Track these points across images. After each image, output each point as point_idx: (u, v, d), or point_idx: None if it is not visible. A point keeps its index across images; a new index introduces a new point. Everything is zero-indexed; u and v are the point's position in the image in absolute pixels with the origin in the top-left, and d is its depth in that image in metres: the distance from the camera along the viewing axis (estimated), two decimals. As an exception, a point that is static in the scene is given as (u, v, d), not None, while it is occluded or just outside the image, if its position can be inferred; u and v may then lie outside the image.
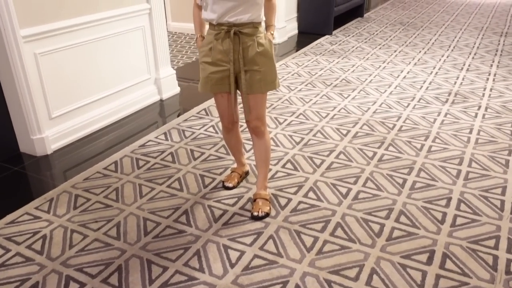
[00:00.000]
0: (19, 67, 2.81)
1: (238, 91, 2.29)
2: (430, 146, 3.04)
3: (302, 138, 3.19)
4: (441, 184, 2.60)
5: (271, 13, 2.26)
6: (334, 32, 6.22)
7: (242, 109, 2.34)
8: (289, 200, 2.49)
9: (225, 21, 2.12)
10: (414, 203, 2.43)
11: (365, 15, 7.31)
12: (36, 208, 2.49)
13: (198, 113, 3.67)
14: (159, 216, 2.39)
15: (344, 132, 3.27)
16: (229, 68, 2.18)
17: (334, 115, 3.57)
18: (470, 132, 3.22)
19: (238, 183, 2.66)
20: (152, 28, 3.77)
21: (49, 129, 3.11)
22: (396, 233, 2.20)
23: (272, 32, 2.24)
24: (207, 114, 3.63)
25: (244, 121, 2.38)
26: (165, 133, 3.33)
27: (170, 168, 2.86)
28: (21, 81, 2.85)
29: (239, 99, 2.34)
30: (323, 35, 6.10)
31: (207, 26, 2.26)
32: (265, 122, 2.34)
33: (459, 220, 2.29)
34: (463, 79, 4.31)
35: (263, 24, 2.21)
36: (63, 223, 2.36)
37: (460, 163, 2.82)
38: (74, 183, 2.72)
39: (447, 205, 2.41)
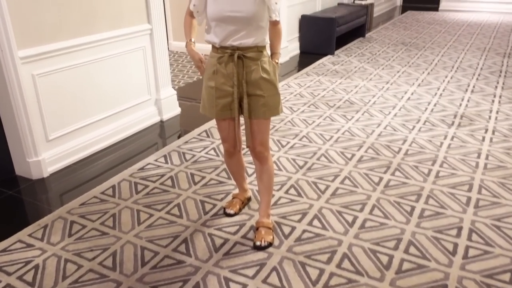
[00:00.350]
0: (16, 88, 2.75)
1: (241, 115, 2.21)
2: (438, 171, 2.95)
3: (306, 162, 3.10)
4: (450, 212, 2.50)
5: (276, 39, 2.20)
6: (336, 52, 6.19)
7: (245, 133, 2.26)
8: (293, 228, 2.39)
9: (229, 44, 2.05)
10: (424, 233, 2.33)
11: (366, 35, 7.29)
12: (30, 235, 2.39)
13: (199, 135, 3.59)
14: (157, 245, 2.29)
15: (349, 155, 3.19)
16: (232, 92, 2.11)
17: (338, 137, 3.49)
18: (478, 157, 3.14)
19: (240, 209, 2.56)
20: (153, 49, 3.72)
21: (46, 152, 3.02)
22: (406, 266, 2.10)
23: (277, 61, 2.17)
24: (208, 136, 3.55)
25: (245, 144, 2.30)
26: (165, 156, 3.25)
27: (169, 193, 2.77)
28: (18, 102, 2.78)
29: (242, 121, 2.26)
30: (325, 55, 6.07)
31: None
32: (268, 148, 2.26)
33: (472, 252, 2.19)
34: (468, 101, 4.25)
35: (267, 48, 2.15)
36: (57, 251, 2.26)
37: (469, 190, 2.73)
38: (70, 209, 2.62)
39: (458, 235, 2.31)
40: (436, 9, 10.12)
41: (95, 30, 3.21)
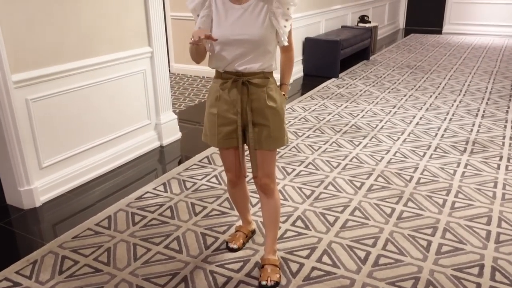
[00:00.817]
0: (8, 113, 2.61)
1: (246, 144, 2.06)
2: (453, 202, 2.78)
3: (313, 191, 2.94)
4: (470, 248, 2.33)
5: (287, 68, 2.07)
6: (340, 75, 6.08)
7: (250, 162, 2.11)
8: (301, 265, 2.21)
9: (233, 69, 1.92)
10: (443, 271, 2.15)
11: (371, 58, 7.21)
12: (17, 272, 2.22)
13: (200, 161, 3.44)
14: (155, 284, 2.11)
15: (358, 184, 3.03)
16: (236, 120, 1.96)
17: (346, 164, 3.33)
18: (495, 186, 2.97)
19: (244, 244, 2.39)
20: (153, 72, 3.60)
21: (39, 180, 2.87)
22: (426, 310, 1.92)
23: (284, 93, 2.04)
24: (209, 163, 3.40)
25: (251, 173, 2.14)
26: (164, 184, 3.09)
27: (168, 224, 2.60)
28: (9, 129, 2.64)
29: (246, 148, 2.11)
30: (329, 78, 5.96)
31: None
32: (274, 180, 2.10)
33: (496, 293, 2.01)
34: (479, 126, 4.10)
35: (275, 74, 2.01)
36: (45, 291, 2.08)
37: (488, 223, 2.55)
38: (61, 242, 2.45)
39: (480, 274, 2.13)
40: (439, 32, 10.09)
41: (94, 53, 3.09)
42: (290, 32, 1.97)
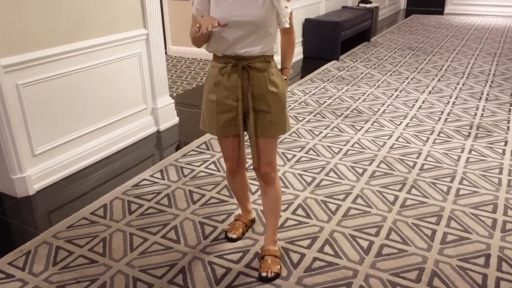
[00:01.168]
0: (-2, 99, 2.51)
1: (246, 132, 1.98)
2: (458, 189, 2.71)
3: (314, 178, 2.87)
4: (476, 237, 2.27)
5: (289, 51, 1.97)
6: (341, 57, 5.96)
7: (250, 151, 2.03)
8: (303, 256, 2.15)
9: (233, 53, 1.82)
10: (448, 261, 2.09)
11: (372, 39, 7.07)
12: (10, 263, 2.16)
13: (198, 147, 3.35)
14: (152, 276, 2.05)
15: (360, 171, 2.95)
16: (236, 107, 1.87)
17: (348, 150, 3.25)
18: (500, 173, 2.90)
19: (243, 233, 2.32)
20: (149, 55, 3.48)
21: (32, 168, 2.78)
22: (431, 302, 1.86)
23: (285, 78, 1.94)
24: (208, 149, 3.32)
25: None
26: (161, 171, 3.01)
27: (166, 213, 2.53)
28: (0, 115, 2.54)
29: (246, 137, 2.03)
30: (330, 60, 5.84)
31: (211, 57, 1.95)
32: (275, 168, 2.02)
33: (503, 285, 1.95)
34: (483, 110, 4.01)
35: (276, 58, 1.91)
36: (39, 283, 2.02)
37: (494, 211, 2.49)
38: (56, 232, 2.38)
39: (486, 265, 2.07)
40: (441, 12, 9.90)
41: (86, 35, 2.98)
42: (291, 13, 1.86)
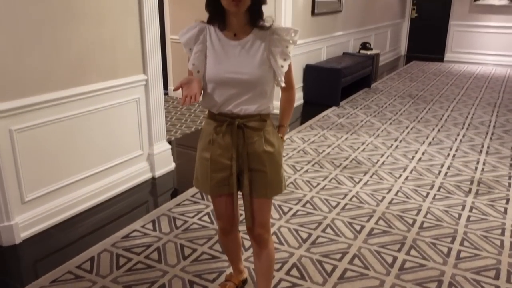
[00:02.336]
0: (-11, 146, 2.47)
1: (240, 191, 1.91)
2: (459, 251, 2.62)
3: (310, 234, 2.78)
4: (478, 307, 2.16)
5: (288, 108, 1.94)
6: (341, 104, 5.97)
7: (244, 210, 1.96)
8: (295, 323, 2.04)
9: (228, 111, 1.78)
10: (449, 335, 1.98)
11: (372, 86, 7.11)
12: (-13, 321, 2.05)
13: (192, 196, 3.28)
14: None
15: (358, 227, 2.87)
16: (230, 166, 1.82)
17: (345, 204, 3.18)
18: (502, 234, 2.81)
19: (234, 295, 2.22)
20: (147, 100, 3.46)
21: (20, 215, 2.71)
22: None
23: (281, 136, 1.90)
24: (202, 198, 3.24)
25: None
26: (153, 221, 2.93)
27: (155, 269, 2.43)
28: (-10, 162, 2.49)
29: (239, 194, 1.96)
30: (330, 106, 5.84)
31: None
32: (269, 229, 1.95)
33: None
34: (484, 164, 3.96)
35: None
36: None
37: (496, 277, 2.39)
38: (39, 287, 2.28)
39: None
40: (441, 59, 10.03)
41: (85, 81, 2.96)
42: (290, 70, 1.84)
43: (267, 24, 1.74)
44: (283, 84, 1.82)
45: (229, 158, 1.82)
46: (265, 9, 1.76)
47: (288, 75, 1.83)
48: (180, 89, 1.67)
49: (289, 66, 1.81)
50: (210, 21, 1.76)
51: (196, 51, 1.78)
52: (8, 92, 2.53)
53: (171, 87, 6.27)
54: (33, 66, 2.63)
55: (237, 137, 1.79)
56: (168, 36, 6.12)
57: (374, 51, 7.61)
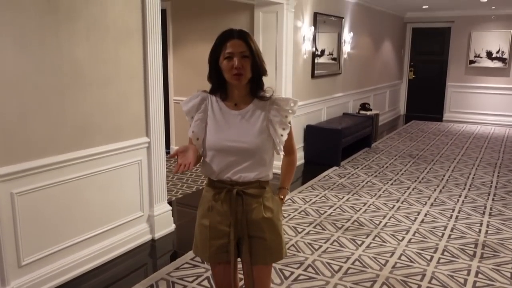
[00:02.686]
0: (-10, 209, 2.47)
1: (239, 258, 1.90)
2: (466, 320, 2.53)
3: (312, 301, 2.70)
4: None
5: (289, 171, 1.97)
6: (342, 163, 6.00)
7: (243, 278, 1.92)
8: None
9: (227, 178, 1.80)
10: None
11: (372, 145, 7.17)
12: None
13: (192, 259, 3.22)
14: None
15: (361, 293, 2.79)
16: (229, 233, 1.81)
17: (348, 268, 3.11)
18: (510, 301, 2.74)
19: None
20: (149, 162, 3.50)
21: (16, 279, 2.65)
22: None
23: (282, 197, 1.92)
24: (202, 262, 3.18)
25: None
26: (152, 286, 2.86)
27: (151, 338, 2.35)
28: (-11, 225, 2.48)
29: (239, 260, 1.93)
30: (331, 166, 5.87)
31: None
32: (269, 299, 1.90)
33: None
34: (487, 226, 3.91)
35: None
36: None
37: None
38: None
39: None
40: (440, 119, 10.18)
41: (88, 144, 3.01)
42: (291, 136, 1.89)
43: (267, 94, 1.80)
44: (282, 153, 1.86)
45: (228, 225, 1.82)
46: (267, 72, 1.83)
47: (289, 141, 1.88)
48: (176, 156, 1.71)
49: (290, 132, 1.85)
50: (212, 92, 1.82)
51: (197, 119, 1.84)
52: (13, 156, 2.56)
53: (173, 146, 6.34)
54: (38, 130, 2.68)
55: (236, 204, 1.80)
56: (172, 97, 6.27)
57: (373, 112, 7.76)
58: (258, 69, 1.75)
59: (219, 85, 1.80)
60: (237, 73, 1.70)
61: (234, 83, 1.74)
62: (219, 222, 1.82)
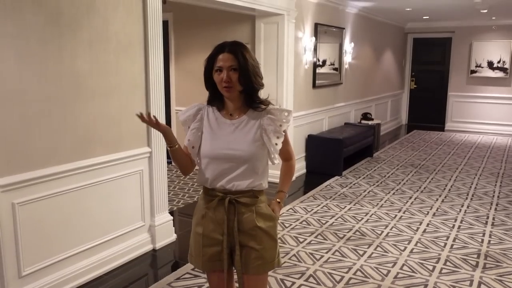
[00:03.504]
0: (-9, 219, 2.47)
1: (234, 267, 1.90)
2: (469, 331, 2.51)
3: (313, 311, 2.69)
4: None
5: (287, 176, 2.00)
6: (343, 173, 6.00)
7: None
8: None
9: (220, 186, 1.82)
10: None
11: (374, 155, 7.17)
12: None
13: (193, 269, 3.21)
14: None
15: (363, 304, 2.78)
16: (222, 241, 1.82)
17: (350, 279, 3.10)
18: (513, 312, 2.71)
19: None
20: (151, 172, 3.50)
21: (16, 290, 2.65)
22: None
23: (279, 201, 1.92)
24: (203, 272, 3.16)
25: None
26: (152, 296, 2.85)
27: None
28: (-10, 235, 2.49)
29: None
30: (333, 175, 5.86)
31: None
32: (267, 309, 1.90)
33: None
34: (490, 236, 3.89)
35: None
36: None
37: None
38: None
39: None
40: (441, 129, 10.18)
41: (90, 154, 3.02)
42: (287, 142, 1.92)
43: (262, 105, 1.83)
44: (276, 161, 1.88)
45: (221, 233, 1.84)
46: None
47: (286, 147, 1.91)
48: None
49: (286, 139, 1.89)
50: (209, 102, 1.87)
51: (193, 128, 1.88)
52: (14, 166, 2.58)
53: (175, 156, 6.34)
54: (40, 140, 2.70)
55: (229, 212, 1.81)
56: (173, 107, 6.30)
57: (375, 121, 7.77)
58: (248, 82, 1.77)
59: (214, 95, 1.84)
60: (226, 86, 1.74)
61: (225, 95, 1.79)
62: (213, 230, 1.84)
